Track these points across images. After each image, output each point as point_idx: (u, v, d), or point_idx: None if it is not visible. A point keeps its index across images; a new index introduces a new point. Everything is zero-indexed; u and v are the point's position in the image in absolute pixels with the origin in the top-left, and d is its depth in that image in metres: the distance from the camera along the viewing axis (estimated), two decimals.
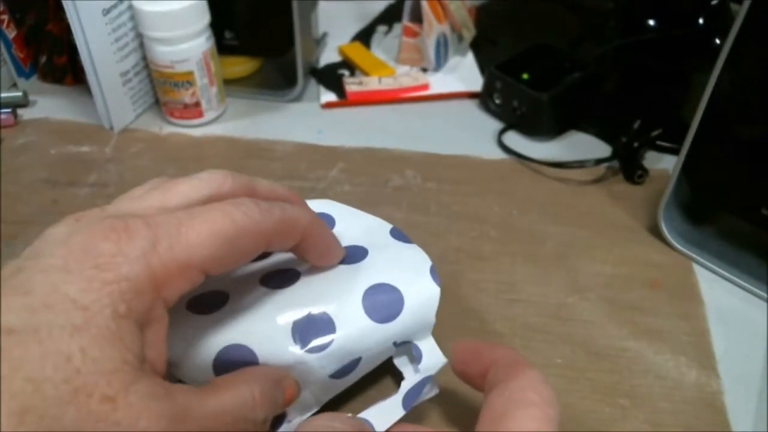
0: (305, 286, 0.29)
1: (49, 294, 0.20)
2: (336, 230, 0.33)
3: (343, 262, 0.31)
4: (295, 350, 0.27)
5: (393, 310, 0.29)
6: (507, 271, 0.39)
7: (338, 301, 0.28)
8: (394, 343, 0.29)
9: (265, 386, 0.25)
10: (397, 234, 0.34)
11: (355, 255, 0.31)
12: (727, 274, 0.39)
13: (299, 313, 0.28)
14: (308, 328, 0.27)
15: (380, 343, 0.29)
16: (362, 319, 0.28)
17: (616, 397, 0.33)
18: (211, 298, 0.28)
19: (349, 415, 0.26)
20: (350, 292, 0.29)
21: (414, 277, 0.30)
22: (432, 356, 0.30)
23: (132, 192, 0.27)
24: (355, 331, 0.28)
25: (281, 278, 0.29)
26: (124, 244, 0.22)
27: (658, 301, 0.38)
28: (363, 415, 0.28)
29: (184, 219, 0.23)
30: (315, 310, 0.28)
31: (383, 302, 0.29)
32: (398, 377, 0.30)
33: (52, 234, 0.23)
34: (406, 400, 0.28)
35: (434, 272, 0.31)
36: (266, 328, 0.27)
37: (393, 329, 0.29)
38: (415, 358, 0.30)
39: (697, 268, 0.40)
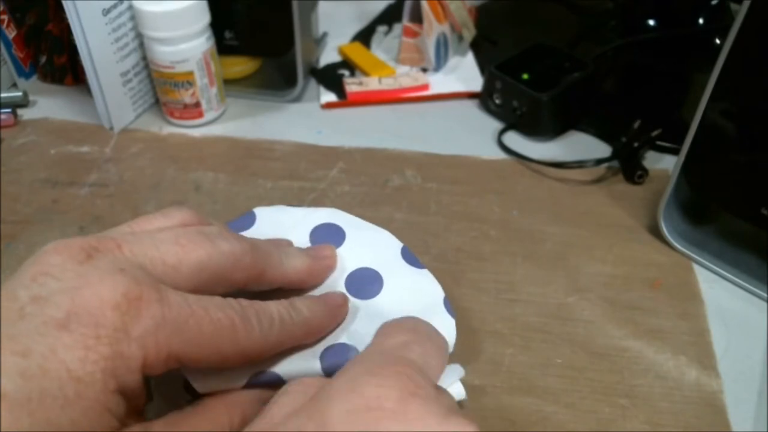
0: None
1: (46, 358, 0.20)
2: (345, 248, 0.34)
3: (360, 294, 0.32)
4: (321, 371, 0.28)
5: None
6: (507, 271, 0.39)
7: (360, 332, 0.29)
8: None
9: (250, 411, 0.26)
10: (408, 256, 0.34)
11: (369, 283, 0.32)
12: (727, 274, 0.39)
13: (325, 344, 0.29)
14: (334, 354, 0.28)
15: None
16: None
17: (616, 397, 0.33)
18: None
19: None
20: (371, 324, 0.30)
21: (429, 310, 0.31)
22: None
23: (153, 219, 0.27)
24: None
25: None
26: (130, 320, 0.22)
27: (658, 300, 0.38)
28: None
29: (197, 310, 0.23)
30: (339, 341, 0.29)
31: None
32: None
33: (59, 269, 0.22)
34: None
35: (447, 304, 0.32)
36: (295, 357, 0.28)
37: None
38: None
39: (697, 268, 0.40)
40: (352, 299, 0.31)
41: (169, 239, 0.25)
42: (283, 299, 0.28)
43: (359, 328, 0.30)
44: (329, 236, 0.34)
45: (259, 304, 0.26)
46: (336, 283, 0.32)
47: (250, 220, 0.35)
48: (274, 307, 0.26)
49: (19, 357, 0.20)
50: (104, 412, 0.21)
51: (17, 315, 0.21)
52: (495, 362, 0.34)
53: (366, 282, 0.32)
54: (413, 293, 0.32)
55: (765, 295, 0.38)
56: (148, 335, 0.22)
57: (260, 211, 0.35)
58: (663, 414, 0.32)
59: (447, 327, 0.31)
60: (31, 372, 0.20)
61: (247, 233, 0.34)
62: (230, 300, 0.25)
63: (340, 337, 0.29)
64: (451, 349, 0.30)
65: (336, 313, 0.29)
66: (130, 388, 0.22)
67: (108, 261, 0.23)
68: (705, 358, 0.35)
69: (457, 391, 0.29)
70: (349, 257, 0.33)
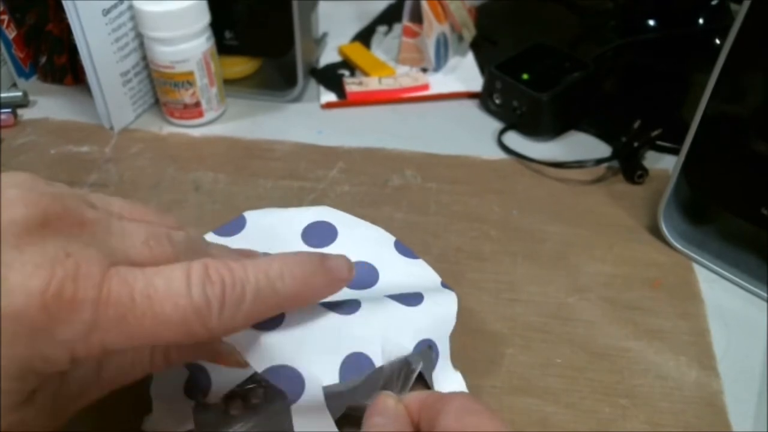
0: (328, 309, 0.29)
1: None
2: (339, 243, 0.34)
3: (357, 286, 0.31)
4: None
5: (415, 299, 0.30)
6: (507, 270, 0.39)
7: (364, 300, 0.29)
8: (415, 346, 0.29)
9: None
10: (402, 248, 0.34)
11: (366, 276, 0.32)
12: (727, 274, 0.39)
13: (344, 346, 0.28)
14: (353, 365, 0.28)
15: (402, 322, 0.29)
16: (388, 302, 0.29)
17: (616, 397, 0.33)
18: None
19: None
20: (374, 296, 0.30)
21: (429, 290, 0.31)
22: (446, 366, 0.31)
23: (146, 215, 0.25)
24: (380, 307, 0.29)
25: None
26: (57, 325, 0.19)
27: (658, 300, 0.38)
28: None
29: (140, 303, 0.20)
30: (356, 347, 0.28)
31: (405, 295, 0.30)
32: None
33: (4, 226, 0.19)
34: None
35: (446, 286, 0.32)
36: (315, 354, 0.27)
37: (416, 314, 0.29)
38: (433, 361, 0.30)
39: (697, 267, 0.40)
40: (351, 292, 0.31)
41: (139, 235, 0.22)
42: (276, 258, 0.24)
43: (366, 324, 0.29)
44: (321, 234, 0.34)
45: (231, 274, 0.22)
46: None
47: (240, 224, 0.35)
48: (252, 275, 0.23)
49: None
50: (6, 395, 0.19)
51: None
52: (495, 362, 0.34)
53: (362, 275, 0.32)
54: (411, 279, 0.32)
55: (765, 295, 0.38)
56: (76, 340, 0.19)
57: (250, 215, 0.35)
58: (663, 414, 0.32)
59: (449, 300, 0.31)
60: None
61: (238, 237, 0.34)
62: (192, 277, 0.21)
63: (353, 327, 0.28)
64: (453, 320, 0.31)
65: (336, 286, 0.26)
66: (52, 374, 0.20)
67: (59, 241, 0.20)
68: (705, 358, 0.35)
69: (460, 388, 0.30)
70: (343, 254, 0.33)
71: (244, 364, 0.26)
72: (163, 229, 0.24)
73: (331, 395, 0.27)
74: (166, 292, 0.21)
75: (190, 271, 0.21)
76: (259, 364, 0.25)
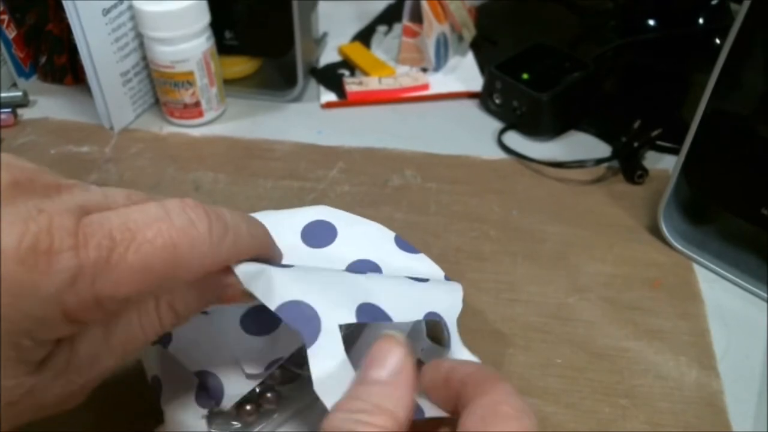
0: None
1: None
2: (339, 242, 0.33)
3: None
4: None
5: (421, 281, 0.30)
6: (507, 271, 0.39)
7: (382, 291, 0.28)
8: (425, 315, 0.29)
9: (179, 299, 0.24)
10: (402, 243, 0.34)
11: (369, 272, 0.32)
12: (727, 274, 0.39)
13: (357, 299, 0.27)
14: (369, 313, 0.26)
15: (411, 293, 0.29)
16: (395, 278, 0.29)
17: (616, 397, 0.33)
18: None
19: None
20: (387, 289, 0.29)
21: (434, 282, 0.31)
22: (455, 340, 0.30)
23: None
24: (389, 277, 0.29)
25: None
26: (39, 277, 0.19)
27: (658, 300, 0.38)
28: None
29: (121, 240, 0.20)
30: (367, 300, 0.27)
31: (412, 278, 0.30)
32: None
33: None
34: None
35: (449, 279, 0.32)
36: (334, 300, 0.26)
37: (424, 290, 0.29)
38: (446, 340, 0.30)
39: (697, 267, 0.40)
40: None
41: (120, 193, 0.23)
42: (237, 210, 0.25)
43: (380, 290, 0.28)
44: (320, 234, 0.33)
45: (210, 208, 0.23)
46: None
47: None
48: (228, 214, 0.23)
49: None
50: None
51: None
52: (495, 362, 0.34)
53: (364, 269, 0.32)
54: (414, 271, 0.32)
55: (765, 295, 0.38)
56: (62, 291, 0.19)
57: None
58: (663, 414, 0.32)
59: (455, 287, 0.31)
60: None
61: None
62: (168, 206, 0.22)
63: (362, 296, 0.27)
64: (460, 305, 0.30)
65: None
66: (58, 340, 0.20)
67: (32, 201, 0.20)
68: (705, 358, 0.35)
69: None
70: (344, 252, 0.33)
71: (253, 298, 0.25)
72: (143, 193, 0.24)
73: None
74: (145, 220, 0.21)
75: (166, 202, 0.22)
76: (272, 300, 0.24)
